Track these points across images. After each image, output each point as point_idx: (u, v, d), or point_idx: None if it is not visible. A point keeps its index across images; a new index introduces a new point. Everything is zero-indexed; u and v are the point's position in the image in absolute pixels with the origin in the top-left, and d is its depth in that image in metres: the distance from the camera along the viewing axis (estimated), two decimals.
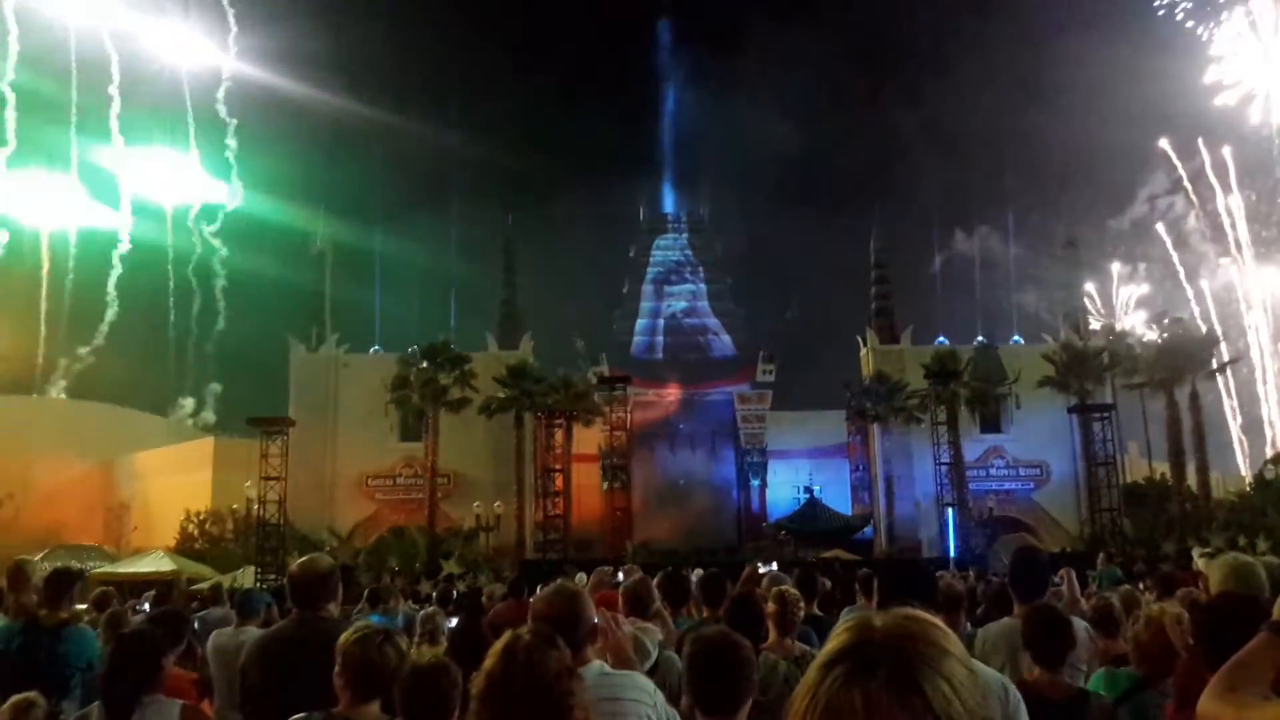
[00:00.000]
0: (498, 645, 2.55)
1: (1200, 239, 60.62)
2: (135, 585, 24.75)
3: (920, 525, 44.75)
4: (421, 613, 9.49)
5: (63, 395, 47.88)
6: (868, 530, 44.77)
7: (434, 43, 57.13)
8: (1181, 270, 60.52)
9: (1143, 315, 53.94)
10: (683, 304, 59.05)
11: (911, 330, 50.36)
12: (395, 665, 3.54)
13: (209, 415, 51.66)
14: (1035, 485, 47.16)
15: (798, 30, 75.11)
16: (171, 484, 40.28)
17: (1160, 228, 61.19)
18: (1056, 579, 8.05)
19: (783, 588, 5.52)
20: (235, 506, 41.53)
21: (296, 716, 3.55)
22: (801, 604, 5.33)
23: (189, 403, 52.32)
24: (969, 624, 6.98)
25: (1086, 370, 44.33)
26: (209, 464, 44.41)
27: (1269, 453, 50.38)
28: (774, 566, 18.98)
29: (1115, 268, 62.02)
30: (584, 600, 3.51)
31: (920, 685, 1.11)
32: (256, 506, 40.35)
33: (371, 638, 3.58)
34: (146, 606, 14.69)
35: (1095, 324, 52.28)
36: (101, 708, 4.06)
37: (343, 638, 3.60)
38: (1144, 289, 61.33)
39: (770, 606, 5.10)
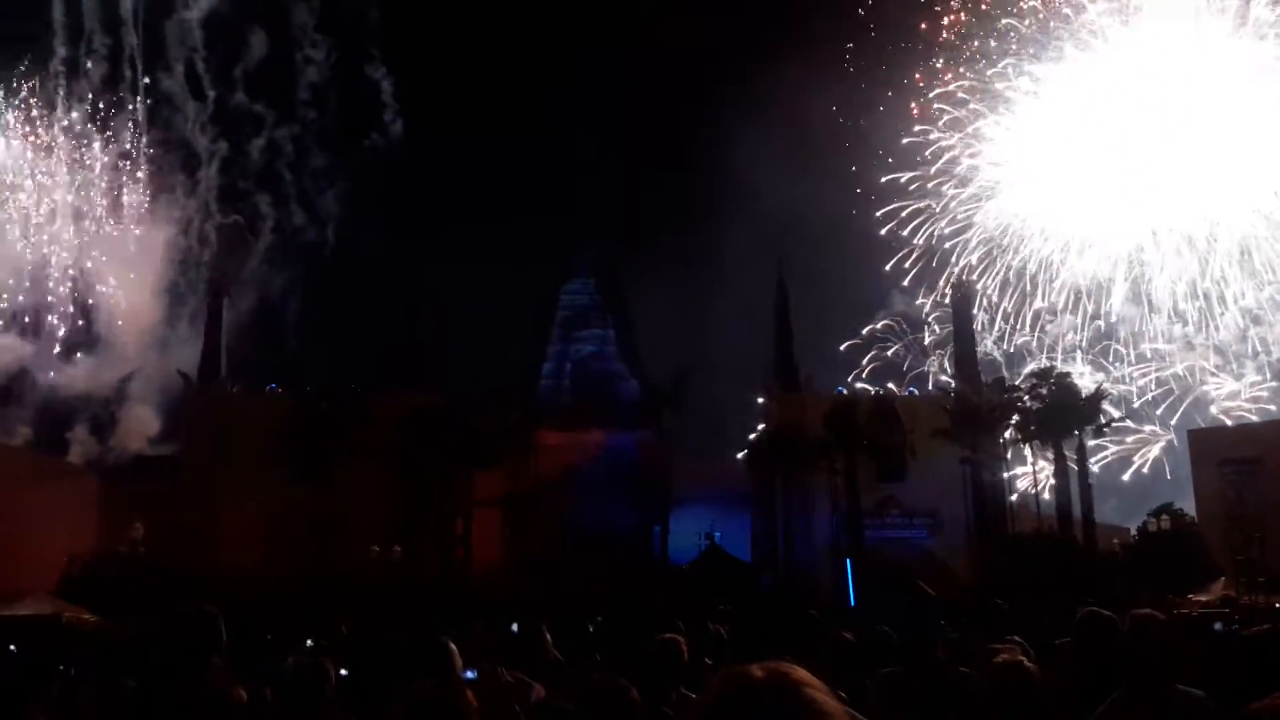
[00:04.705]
0: None
1: None
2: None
3: (818, 572, 45.16)
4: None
5: None
6: (768, 577, 44.98)
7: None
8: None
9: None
10: (591, 348, 58.94)
11: (813, 378, 51.20)
12: None
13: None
14: (929, 533, 48.10)
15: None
16: (52, 524, 38.56)
17: None
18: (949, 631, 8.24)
19: (668, 636, 5.55)
20: (122, 548, 39.87)
21: None
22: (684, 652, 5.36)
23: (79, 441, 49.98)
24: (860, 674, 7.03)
25: (978, 423, 45.52)
26: (94, 504, 42.78)
27: None
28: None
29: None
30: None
31: None
32: (140, 548, 38.85)
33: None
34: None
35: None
36: None
37: None
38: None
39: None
